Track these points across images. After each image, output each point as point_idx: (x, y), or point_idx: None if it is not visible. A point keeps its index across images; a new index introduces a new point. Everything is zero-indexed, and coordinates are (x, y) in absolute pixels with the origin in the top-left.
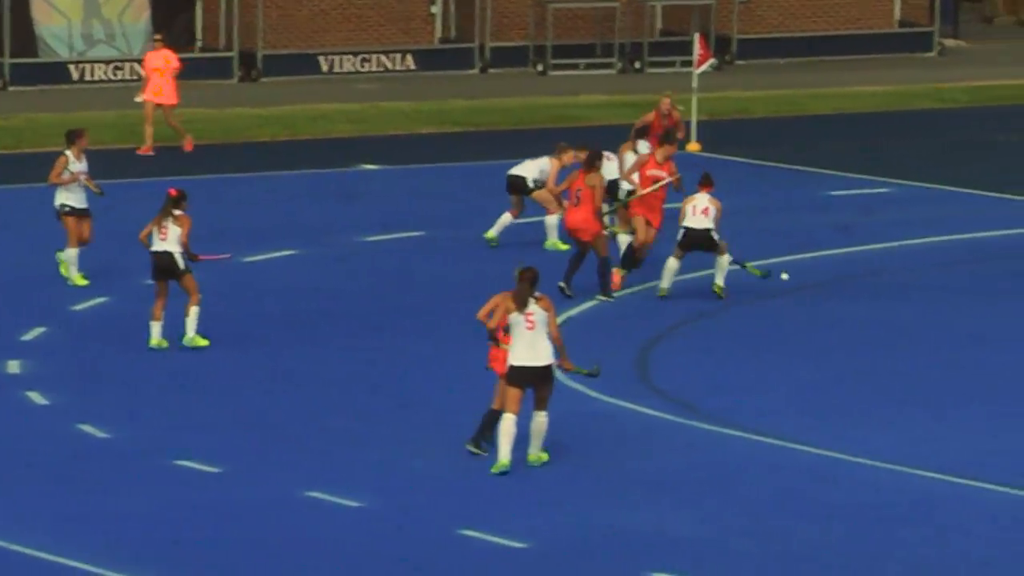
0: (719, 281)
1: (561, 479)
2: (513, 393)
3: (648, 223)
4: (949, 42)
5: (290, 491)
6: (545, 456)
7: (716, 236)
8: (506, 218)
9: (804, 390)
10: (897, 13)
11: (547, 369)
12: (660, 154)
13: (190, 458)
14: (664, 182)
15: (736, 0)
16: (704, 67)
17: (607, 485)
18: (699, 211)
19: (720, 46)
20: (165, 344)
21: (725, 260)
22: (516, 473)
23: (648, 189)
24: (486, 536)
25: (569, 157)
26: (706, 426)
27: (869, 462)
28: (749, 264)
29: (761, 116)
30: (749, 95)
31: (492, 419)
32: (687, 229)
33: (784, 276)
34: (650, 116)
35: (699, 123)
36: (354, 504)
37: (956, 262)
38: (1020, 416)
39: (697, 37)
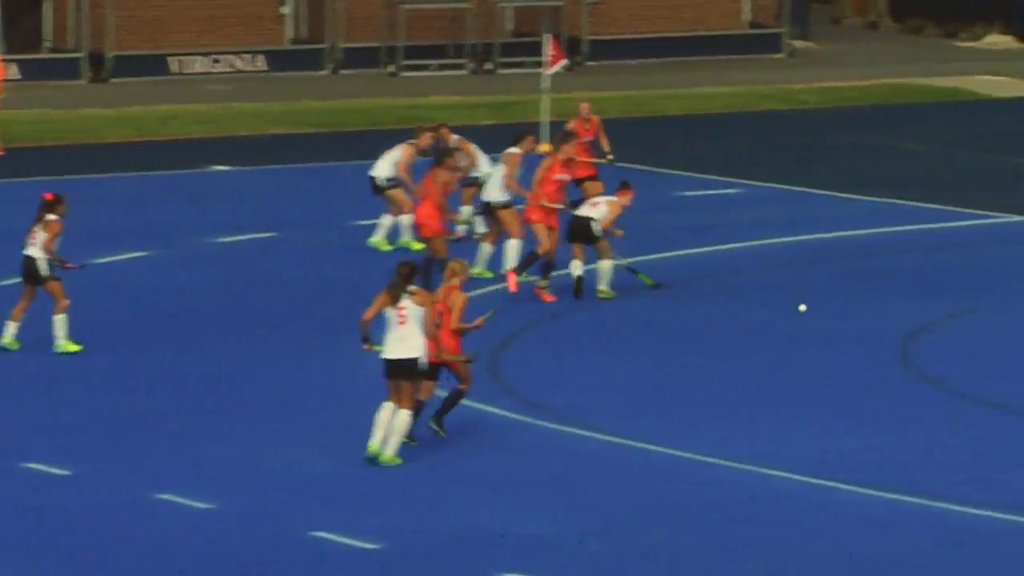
0: (601, 287)
1: (413, 479)
2: (388, 384)
3: (550, 228)
4: (799, 44)
5: (140, 493)
6: (398, 460)
7: (596, 229)
8: (387, 220)
9: (656, 390)
10: (746, 15)
11: (412, 363)
12: (563, 155)
13: (40, 461)
14: (559, 206)
15: (586, 1)
16: (555, 68)
17: (459, 485)
18: (591, 203)
19: (571, 47)
20: (16, 345)
21: (606, 265)
22: (368, 474)
23: (553, 205)
24: (338, 537)
25: (426, 139)
26: (557, 426)
27: (719, 461)
28: (642, 274)
29: (613, 117)
30: (600, 96)
31: (455, 396)
32: (573, 216)
33: (802, 308)
34: (572, 123)
35: (551, 124)
36: (205, 506)
37: (807, 262)
38: (870, 415)
39: (548, 38)
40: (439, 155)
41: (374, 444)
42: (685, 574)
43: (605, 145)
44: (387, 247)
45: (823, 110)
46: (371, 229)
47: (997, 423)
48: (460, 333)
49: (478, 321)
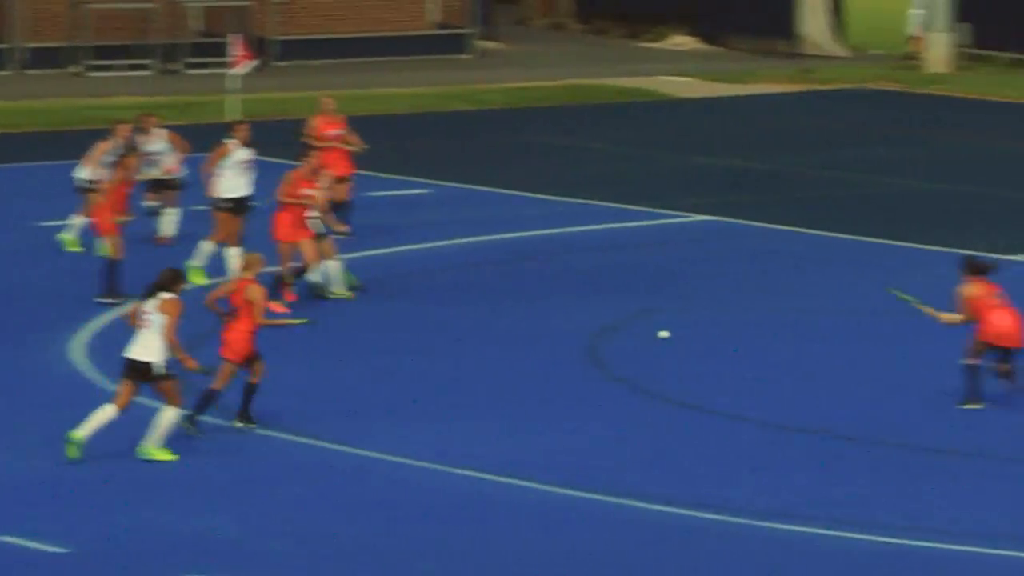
0: (333, 286)
1: (97, 481)
2: (121, 384)
3: (310, 240)
4: (485, 44)
5: None
6: (155, 454)
7: (317, 226)
8: (77, 220)
9: (346, 391)
10: (432, 16)
11: (146, 366)
12: (306, 168)
13: None
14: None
15: (273, 1)
16: (243, 68)
17: (148, 487)
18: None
19: (260, 48)
20: None
21: (331, 264)
22: (52, 475)
23: (309, 195)
24: (23, 541)
25: (124, 131)
26: (246, 427)
27: (409, 461)
28: (347, 273)
29: (300, 117)
30: (288, 96)
31: (209, 397)
32: None
33: (663, 334)
34: (316, 120)
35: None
36: None
37: (495, 262)
38: (559, 415)
39: (235, 38)
40: (121, 153)
41: (77, 432)
42: (373, 575)
43: (352, 138)
44: (76, 248)
45: (510, 110)
46: (57, 230)
47: (683, 421)
48: (258, 328)
49: (286, 320)
